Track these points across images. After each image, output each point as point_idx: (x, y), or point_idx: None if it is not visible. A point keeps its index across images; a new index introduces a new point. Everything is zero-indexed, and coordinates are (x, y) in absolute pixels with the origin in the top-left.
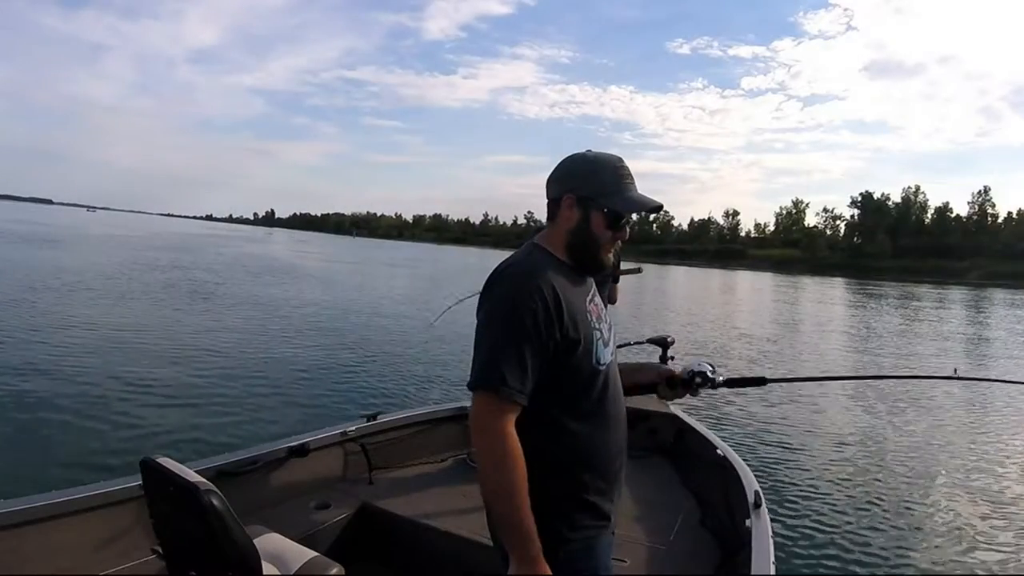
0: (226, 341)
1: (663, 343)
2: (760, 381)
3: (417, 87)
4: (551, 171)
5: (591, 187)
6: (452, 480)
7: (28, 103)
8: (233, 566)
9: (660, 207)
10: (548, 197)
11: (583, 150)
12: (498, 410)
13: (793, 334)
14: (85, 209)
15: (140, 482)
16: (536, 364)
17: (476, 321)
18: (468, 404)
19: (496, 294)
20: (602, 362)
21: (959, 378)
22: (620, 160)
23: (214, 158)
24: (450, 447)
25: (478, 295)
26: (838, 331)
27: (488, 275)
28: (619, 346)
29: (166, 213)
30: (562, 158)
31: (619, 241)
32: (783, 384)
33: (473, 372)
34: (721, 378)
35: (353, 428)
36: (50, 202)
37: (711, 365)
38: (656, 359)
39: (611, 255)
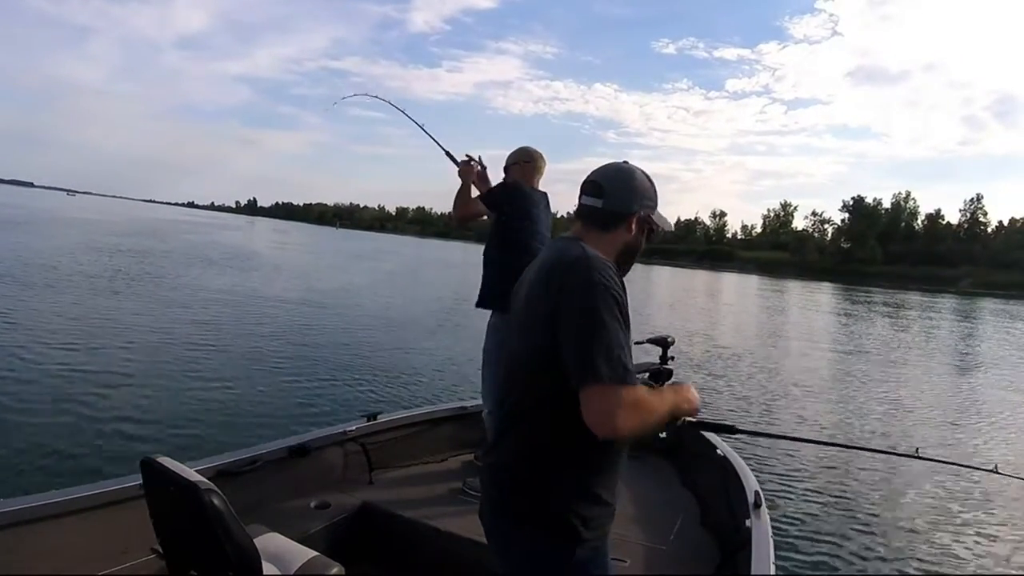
0: (226, 341)
1: (663, 343)
2: (730, 429)
3: (402, 79)
4: (608, 179)
5: (653, 208)
6: (452, 480)
7: (11, 85)
8: (233, 566)
9: (673, 229)
10: (610, 207)
11: (621, 160)
12: (624, 391)
13: (773, 346)
14: (65, 193)
15: (140, 482)
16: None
17: (556, 308)
18: (468, 404)
19: (596, 281)
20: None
21: (921, 457)
22: None
23: (197, 145)
24: (451, 447)
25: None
26: (821, 344)
27: (556, 266)
28: None
29: (147, 199)
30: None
31: None
32: (780, 385)
33: (599, 364)
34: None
35: (353, 428)
36: (31, 185)
37: None
38: (656, 359)
39: None
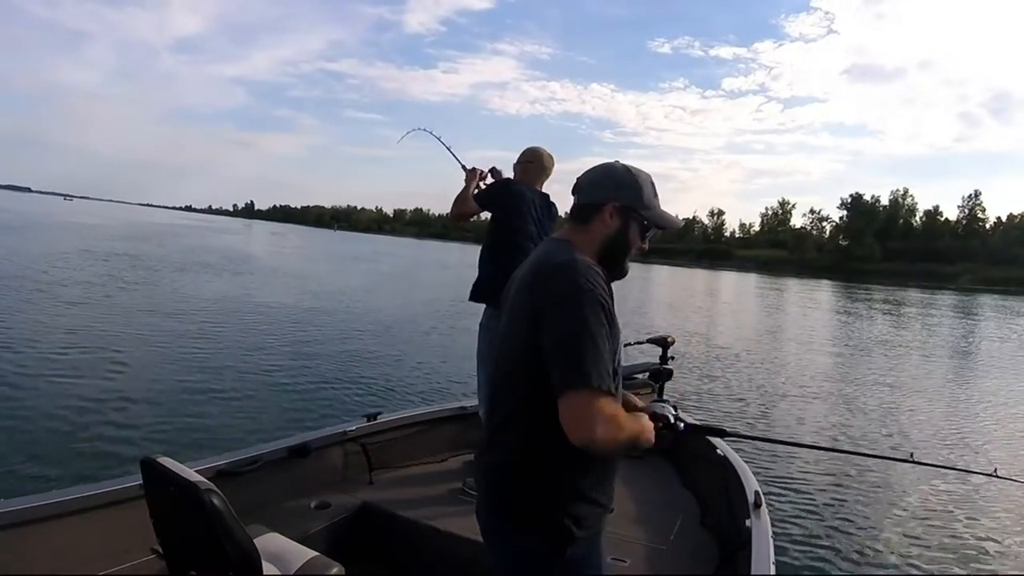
0: (226, 342)
1: (663, 343)
2: (720, 432)
3: (397, 81)
4: (585, 175)
5: (634, 199)
6: (452, 480)
7: (8, 90)
8: (233, 566)
9: (682, 227)
10: (583, 200)
11: (613, 160)
12: (604, 401)
13: (773, 346)
14: (62, 197)
15: (140, 482)
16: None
17: (540, 310)
18: (468, 404)
19: (580, 286)
20: (620, 363)
21: (917, 462)
22: (652, 178)
23: (195, 148)
24: (451, 447)
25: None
26: (821, 343)
27: (540, 268)
28: (624, 345)
29: (145, 203)
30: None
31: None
32: (779, 386)
33: (582, 370)
34: (682, 424)
35: (353, 428)
36: (29, 190)
37: (673, 408)
38: (656, 359)
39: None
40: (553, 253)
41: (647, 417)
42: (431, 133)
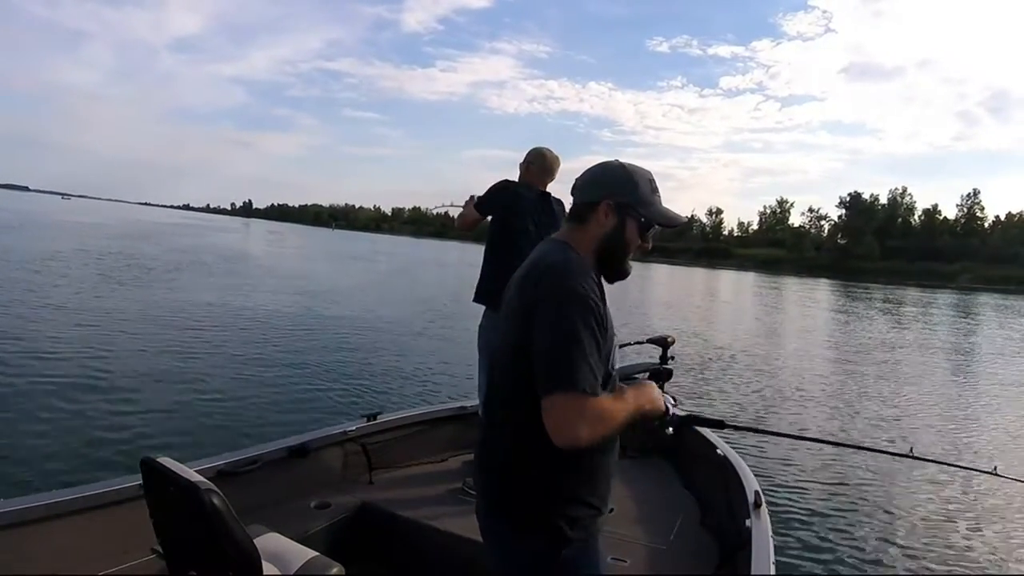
0: (225, 341)
1: (663, 343)
2: (719, 424)
3: (396, 79)
4: (582, 174)
5: (630, 196)
6: (452, 480)
7: (7, 89)
8: (233, 566)
9: (685, 223)
10: (578, 199)
11: (612, 159)
12: (587, 402)
13: (772, 345)
14: (60, 196)
15: (140, 482)
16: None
17: (530, 310)
18: (467, 404)
19: (569, 288)
20: (615, 366)
21: (916, 457)
22: (652, 175)
23: (193, 147)
24: (451, 447)
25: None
26: (821, 342)
27: (534, 269)
28: (621, 346)
29: (143, 202)
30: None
31: (640, 251)
32: (779, 384)
33: (564, 372)
34: (682, 413)
35: (353, 428)
36: (27, 189)
37: (672, 399)
38: (656, 359)
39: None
40: (547, 254)
41: (645, 385)
42: (455, 204)
